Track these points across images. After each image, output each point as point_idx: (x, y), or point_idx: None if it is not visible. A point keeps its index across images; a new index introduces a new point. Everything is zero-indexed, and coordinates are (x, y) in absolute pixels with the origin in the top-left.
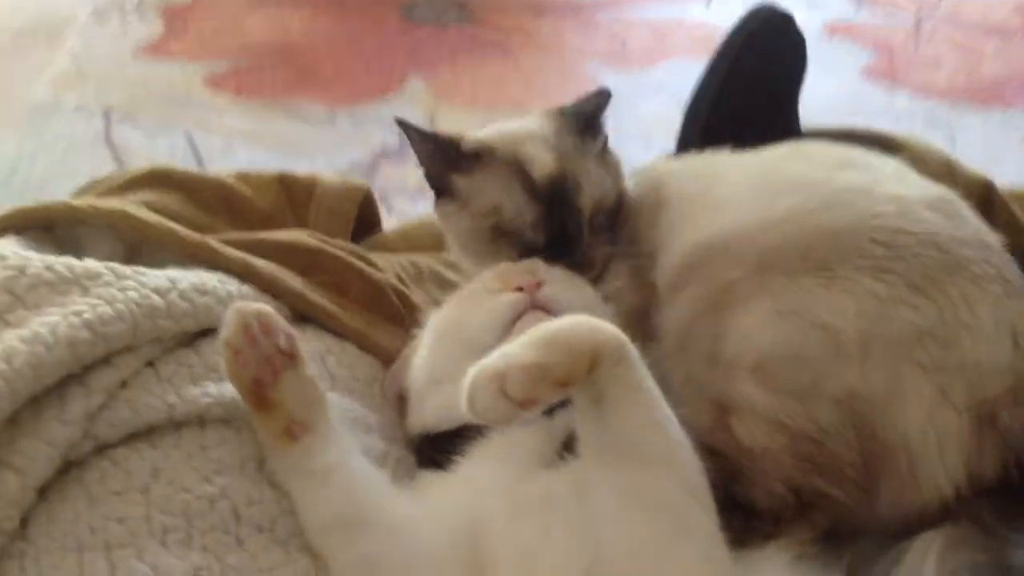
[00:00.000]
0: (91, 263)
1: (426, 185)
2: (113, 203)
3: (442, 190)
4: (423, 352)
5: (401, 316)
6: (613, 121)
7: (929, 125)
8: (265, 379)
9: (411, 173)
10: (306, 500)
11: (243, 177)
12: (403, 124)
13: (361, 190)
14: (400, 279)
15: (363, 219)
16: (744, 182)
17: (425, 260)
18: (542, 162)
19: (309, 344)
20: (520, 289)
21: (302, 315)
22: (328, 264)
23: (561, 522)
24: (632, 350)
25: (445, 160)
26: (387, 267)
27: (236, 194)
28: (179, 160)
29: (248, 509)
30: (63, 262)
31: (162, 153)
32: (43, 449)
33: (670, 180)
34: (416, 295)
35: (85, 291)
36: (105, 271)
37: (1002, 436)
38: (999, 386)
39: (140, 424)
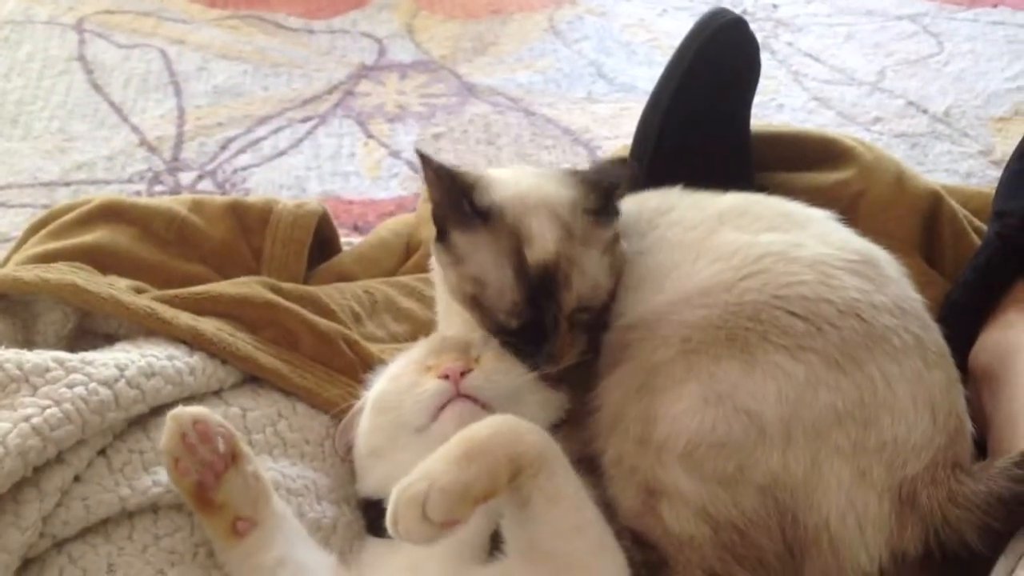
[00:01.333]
0: (39, 357)
1: (404, 109)
2: (63, 273)
3: (443, 234)
4: (364, 424)
5: (353, 366)
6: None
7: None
8: (207, 483)
9: (390, 94)
10: None
11: (196, 206)
12: (424, 157)
13: (315, 215)
14: (355, 314)
15: (320, 236)
16: (678, 248)
17: (380, 288)
18: (542, 244)
19: (261, 410)
20: (447, 376)
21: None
22: (279, 318)
23: None
24: (552, 456)
25: (453, 207)
26: (341, 304)
27: (189, 225)
28: (154, 80)
29: None
30: (13, 359)
31: (138, 72)
32: (1, 558)
33: (622, 236)
34: (370, 327)
35: (34, 389)
36: (53, 364)
37: (922, 515)
38: (918, 464)
39: (94, 519)
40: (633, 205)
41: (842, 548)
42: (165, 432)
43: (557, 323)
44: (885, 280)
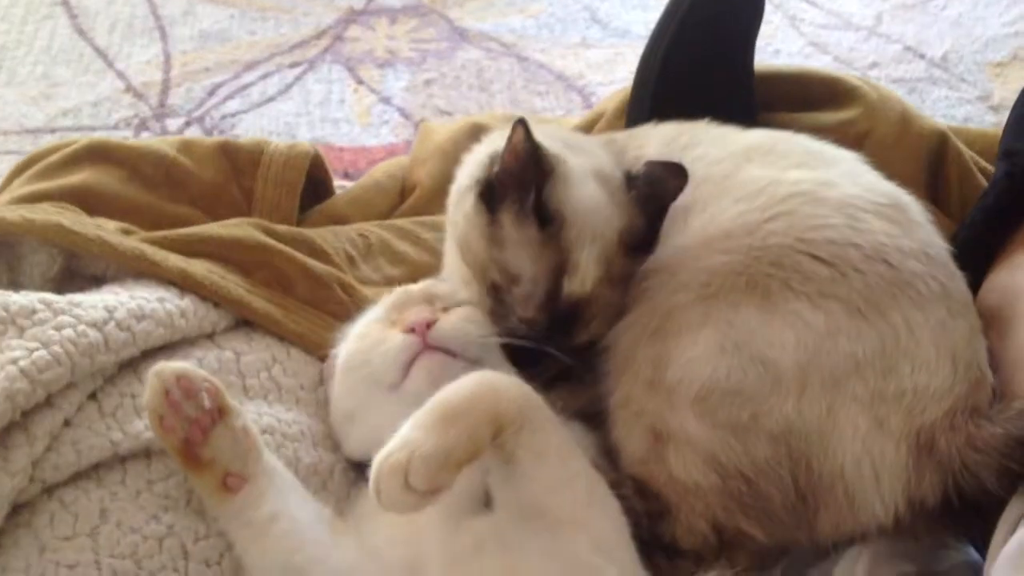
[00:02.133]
0: (25, 298)
1: (395, 55)
2: (49, 213)
3: (493, 201)
4: (336, 387)
5: (348, 310)
6: None
7: None
8: (194, 439)
9: (380, 39)
10: (248, 550)
11: (186, 147)
12: (524, 125)
13: (307, 156)
14: (349, 257)
15: (313, 179)
16: (702, 185)
17: (375, 231)
18: (580, 283)
19: (255, 354)
20: (413, 329)
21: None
22: (272, 261)
23: (491, 573)
24: (535, 410)
25: (521, 190)
26: (336, 246)
27: (178, 166)
28: (140, 25)
29: (196, 545)
30: None
31: (122, 17)
32: None
33: None
34: (365, 271)
35: (21, 331)
36: (40, 306)
37: (940, 461)
38: (937, 411)
39: (85, 464)
40: (659, 140)
41: (857, 496)
42: (147, 389)
43: (558, 356)
44: (912, 225)
